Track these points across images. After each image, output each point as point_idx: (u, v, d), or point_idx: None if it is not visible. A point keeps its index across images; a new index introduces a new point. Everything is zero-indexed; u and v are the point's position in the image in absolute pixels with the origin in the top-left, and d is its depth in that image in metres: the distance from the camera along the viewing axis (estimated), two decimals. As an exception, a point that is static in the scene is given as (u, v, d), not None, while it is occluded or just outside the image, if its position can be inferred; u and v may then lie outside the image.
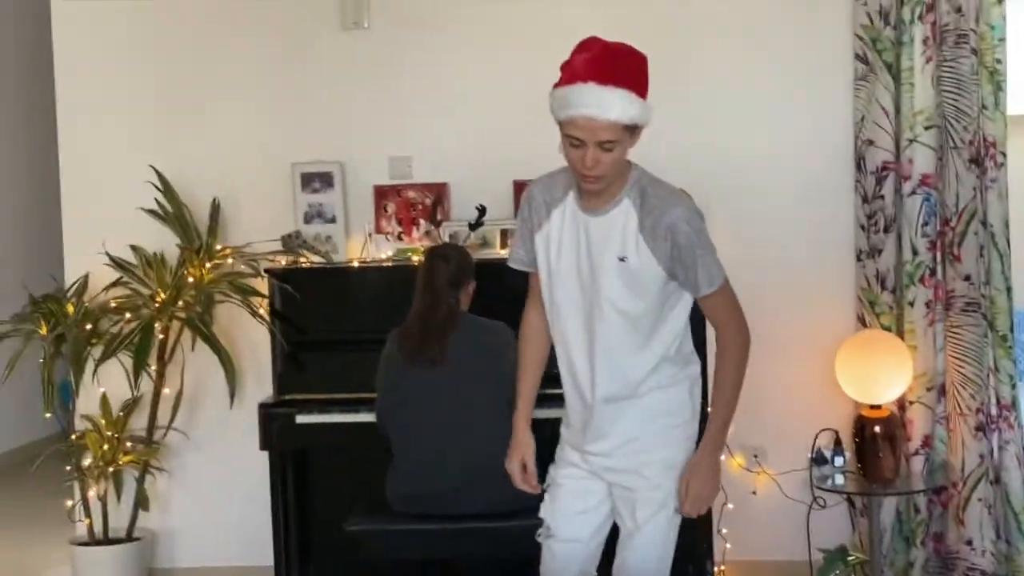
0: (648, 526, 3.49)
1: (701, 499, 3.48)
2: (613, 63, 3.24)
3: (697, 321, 3.67)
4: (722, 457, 3.56)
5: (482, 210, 5.16)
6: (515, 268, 3.61)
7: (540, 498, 3.67)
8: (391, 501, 4.52)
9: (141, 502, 5.44)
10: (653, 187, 3.39)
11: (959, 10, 4.99)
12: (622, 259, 3.35)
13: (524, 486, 3.64)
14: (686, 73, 5.32)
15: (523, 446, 3.64)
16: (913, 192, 5.07)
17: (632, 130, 3.27)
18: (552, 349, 3.60)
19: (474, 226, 5.16)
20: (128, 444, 5.42)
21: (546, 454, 3.73)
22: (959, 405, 5.07)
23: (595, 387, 3.47)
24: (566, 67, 3.28)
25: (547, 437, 3.73)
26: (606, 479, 3.55)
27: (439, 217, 5.31)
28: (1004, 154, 5.01)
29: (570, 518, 3.58)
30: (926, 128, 5.06)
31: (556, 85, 3.29)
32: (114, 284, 5.38)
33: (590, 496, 3.57)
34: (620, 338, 3.42)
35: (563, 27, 5.27)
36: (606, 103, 3.19)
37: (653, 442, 3.50)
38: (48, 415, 5.34)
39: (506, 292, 4.91)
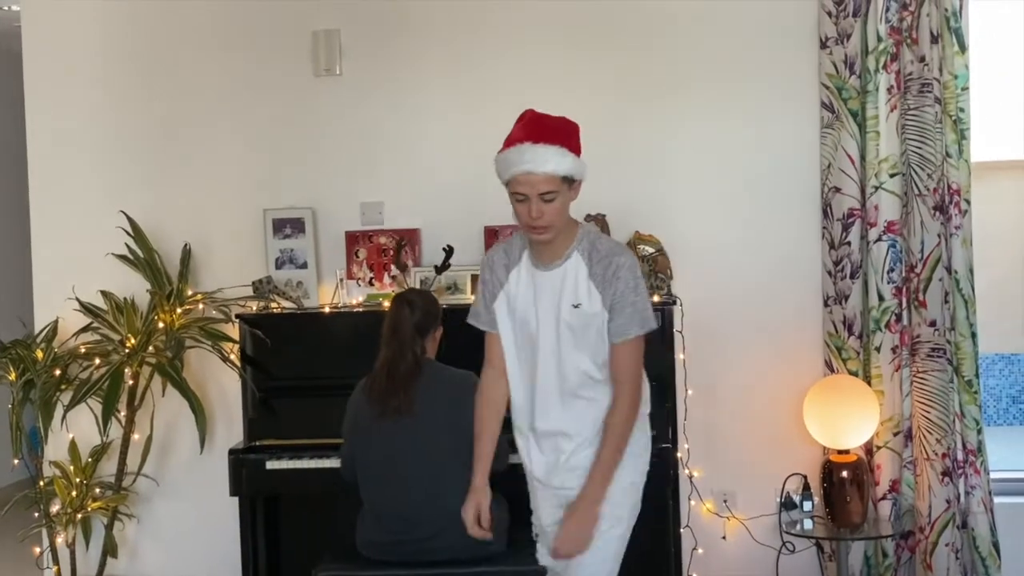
0: (603, 538, 3.74)
1: (574, 542, 3.69)
2: (544, 126, 3.66)
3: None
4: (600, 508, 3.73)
5: (449, 251, 5.16)
6: (473, 324, 3.94)
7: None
8: (361, 547, 4.51)
9: (110, 549, 5.41)
10: (600, 241, 3.77)
11: (923, 60, 5.07)
12: (576, 305, 3.70)
13: (476, 532, 3.88)
14: (654, 122, 5.38)
15: (480, 494, 3.89)
16: (879, 239, 5.13)
17: (569, 183, 3.65)
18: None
19: (441, 268, 5.17)
20: (97, 490, 5.39)
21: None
22: (926, 450, 5.11)
23: (560, 429, 3.78)
24: (507, 138, 3.69)
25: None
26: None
27: (404, 261, 5.32)
28: (968, 201, 5.09)
29: None
30: (891, 176, 5.13)
31: (499, 152, 3.68)
32: (84, 329, 5.37)
33: None
34: (579, 378, 3.75)
35: (533, 75, 5.39)
36: (540, 158, 3.59)
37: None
38: (16, 461, 5.31)
39: (476, 338, 4.96)
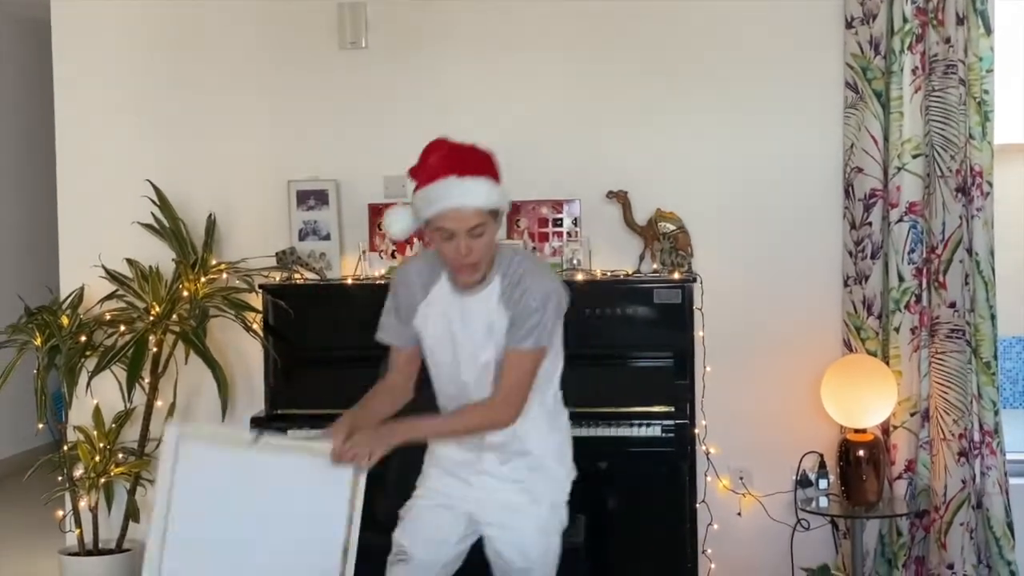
0: (540, 561, 3.69)
1: (355, 452, 3.44)
2: (465, 157, 3.47)
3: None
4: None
5: None
6: (382, 340, 3.76)
7: None
8: (382, 517, 4.55)
9: (131, 513, 5.47)
10: (521, 262, 3.59)
11: (948, 41, 5.07)
12: (490, 326, 3.55)
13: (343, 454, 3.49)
14: (678, 98, 5.40)
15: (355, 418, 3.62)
16: (900, 220, 5.14)
17: (495, 215, 3.50)
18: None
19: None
20: (120, 456, 5.45)
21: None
22: (942, 430, 5.13)
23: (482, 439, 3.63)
24: (421, 170, 3.49)
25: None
26: (482, 521, 3.70)
27: (432, 237, 5.35)
28: (990, 183, 5.10)
29: (429, 544, 3.72)
30: (914, 157, 5.14)
31: (416, 188, 3.49)
32: (109, 297, 5.43)
33: (451, 529, 3.72)
34: None
35: (559, 50, 5.41)
36: (470, 192, 3.41)
37: (541, 488, 3.69)
38: (41, 425, 5.38)
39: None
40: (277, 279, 5.37)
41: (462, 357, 3.61)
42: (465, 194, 3.40)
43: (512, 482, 3.66)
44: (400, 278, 3.72)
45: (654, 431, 4.85)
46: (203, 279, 5.34)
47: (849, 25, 5.21)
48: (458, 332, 3.60)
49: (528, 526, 3.67)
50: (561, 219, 5.36)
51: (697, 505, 5.14)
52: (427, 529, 3.72)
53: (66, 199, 5.75)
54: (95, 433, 5.45)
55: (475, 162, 3.46)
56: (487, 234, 3.47)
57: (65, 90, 5.73)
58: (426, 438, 3.65)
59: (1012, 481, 5.18)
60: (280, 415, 5.11)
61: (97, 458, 5.39)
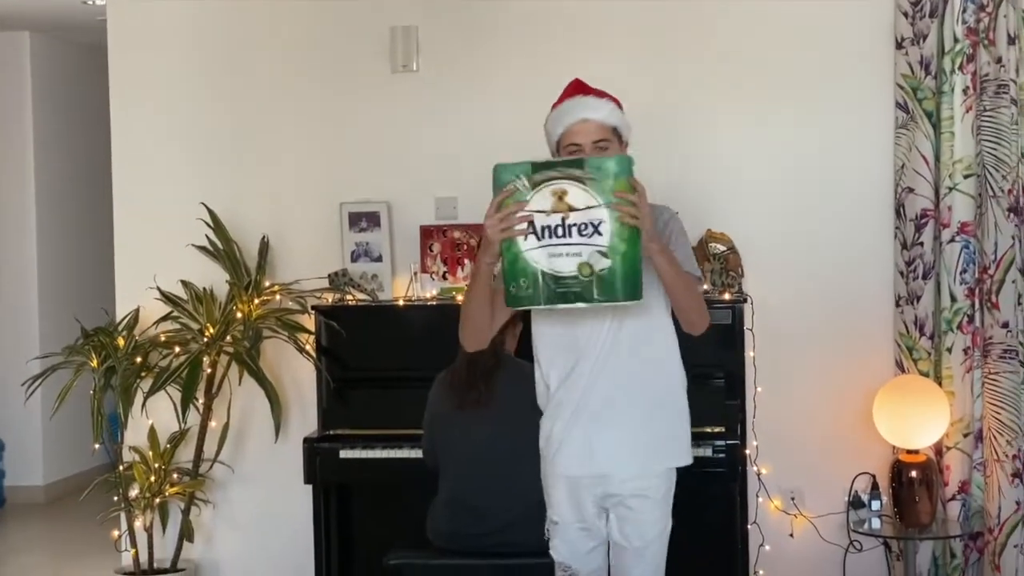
0: (656, 543, 3.77)
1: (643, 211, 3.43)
2: (591, 87, 3.77)
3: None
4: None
5: None
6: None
7: None
8: (432, 536, 4.58)
9: (186, 533, 5.52)
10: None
11: (999, 61, 5.05)
12: None
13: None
14: (727, 122, 5.42)
15: None
16: (952, 240, 5.12)
17: (619, 138, 3.73)
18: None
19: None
20: (174, 476, 5.51)
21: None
22: (996, 451, 5.10)
23: (594, 396, 3.72)
24: (555, 103, 3.78)
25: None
26: (609, 505, 3.77)
27: (484, 258, 5.37)
28: (1043, 203, 5.07)
29: (589, 557, 3.81)
30: (965, 176, 5.12)
31: (550, 112, 3.76)
32: (164, 318, 5.49)
33: (597, 531, 3.80)
34: (611, 346, 3.70)
35: (609, 73, 5.40)
36: (594, 107, 3.69)
37: (655, 461, 3.78)
38: (97, 446, 5.44)
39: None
40: (330, 300, 5.41)
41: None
42: (589, 108, 3.67)
43: (632, 454, 3.73)
44: None
45: (705, 451, 4.84)
46: (256, 301, 5.39)
47: (899, 46, 5.21)
48: None
49: (647, 507, 3.74)
50: (611, 240, 5.37)
51: (749, 526, 5.14)
52: (580, 546, 3.80)
53: (122, 222, 5.83)
54: (150, 454, 5.50)
55: (600, 91, 3.74)
56: (610, 150, 3.64)
57: (120, 114, 5.81)
58: (669, 271, 3.62)
59: (1068, 502, 5.15)
60: (333, 435, 5.15)
61: (152, 478, 5.45)
